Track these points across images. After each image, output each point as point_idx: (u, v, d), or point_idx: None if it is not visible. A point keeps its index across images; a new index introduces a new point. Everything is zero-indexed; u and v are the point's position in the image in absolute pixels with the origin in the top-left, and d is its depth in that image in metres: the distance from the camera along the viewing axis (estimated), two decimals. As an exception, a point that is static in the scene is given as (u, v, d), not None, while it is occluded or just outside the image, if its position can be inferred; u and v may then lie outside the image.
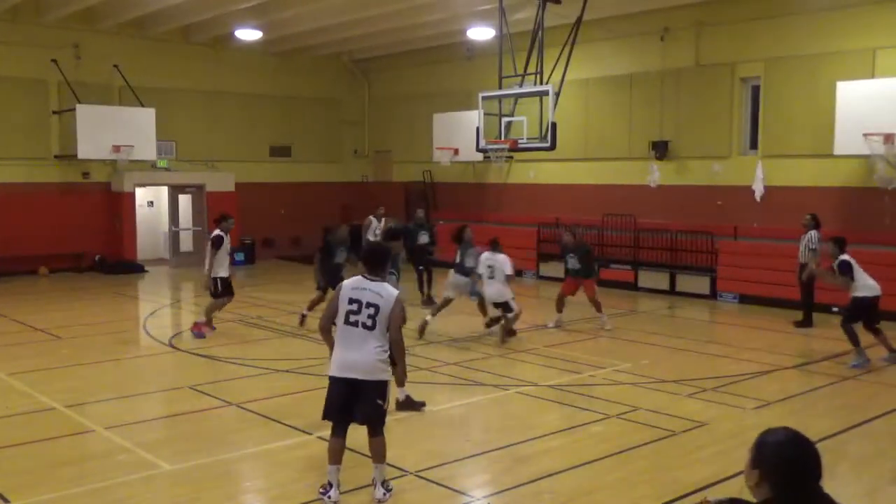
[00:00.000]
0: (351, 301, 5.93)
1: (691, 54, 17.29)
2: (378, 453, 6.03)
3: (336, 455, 5.98)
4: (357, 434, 7.61)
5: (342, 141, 25.37)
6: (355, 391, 5.90)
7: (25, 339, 12.27)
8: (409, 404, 8.35)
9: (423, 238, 15.85)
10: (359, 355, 5.88)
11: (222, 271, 12.51)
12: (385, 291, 5.97)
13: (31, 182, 19.65)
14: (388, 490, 6.04)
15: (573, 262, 13.12)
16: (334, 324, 6.06)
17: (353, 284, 6.02)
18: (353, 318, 5.90)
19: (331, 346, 6.07)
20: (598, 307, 13.07)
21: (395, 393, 8.42)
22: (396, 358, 6.12)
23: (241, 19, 19.44)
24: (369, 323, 5.88)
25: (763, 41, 16.14)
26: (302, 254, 23.82)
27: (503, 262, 11.81)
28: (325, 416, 6.04)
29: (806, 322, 13.34)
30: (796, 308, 13.63)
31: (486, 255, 11.97)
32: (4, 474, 6.55)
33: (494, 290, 11.81)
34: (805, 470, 2.71)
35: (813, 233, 13.25)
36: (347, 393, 5.91)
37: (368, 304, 5.90)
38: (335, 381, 5.96)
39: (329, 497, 5.91)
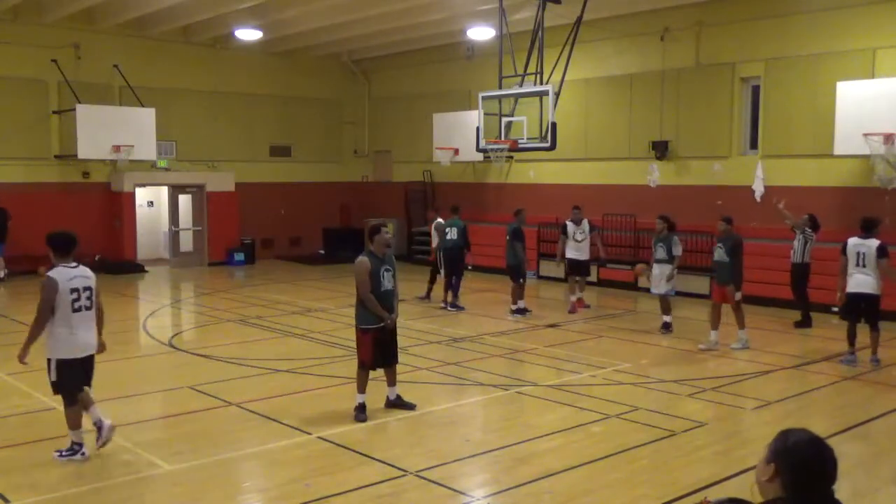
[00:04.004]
0: (72, 291, 6.65)
1: (691, 54, 17.29)
2: (89, 399, 6.89)
3: (80, 420, 6.87)
4: (355, 434, 7.62)
5: (342, 141, 25.38)
6: (89, 365, 6.91)
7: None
8: (400, 403, 8.36)
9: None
10: (91, 335, 6.85)
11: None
12: (89, 272, 6.87)
13: (31, 182, 19.65)
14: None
15: (718, 254, 11.63)
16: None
17: (65, 277, 6.67)
18: (77, 304, 6.68)
19: (35, 336, 6.72)
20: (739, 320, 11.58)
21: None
22: (100, 324, 7.05)
23: (241, 19, 19.44)
24: (88, 304, 6.77)
25: (763, 41, 16.15)
26: (302, 254, 23.88)
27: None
28: (74, 391, 6.80)
29: (805, 322, 13.34)
30: (796, 308, 13.63)
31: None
32: (4, 474, 6.56)
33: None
34: (820, 472, 2.72)
35: (809, 230, 13.27)
36: (86, 368, 6.87)
37: (85, 289, 6.74)
38: (78, 362, 6.77)
39: (84, 454, 6.80)
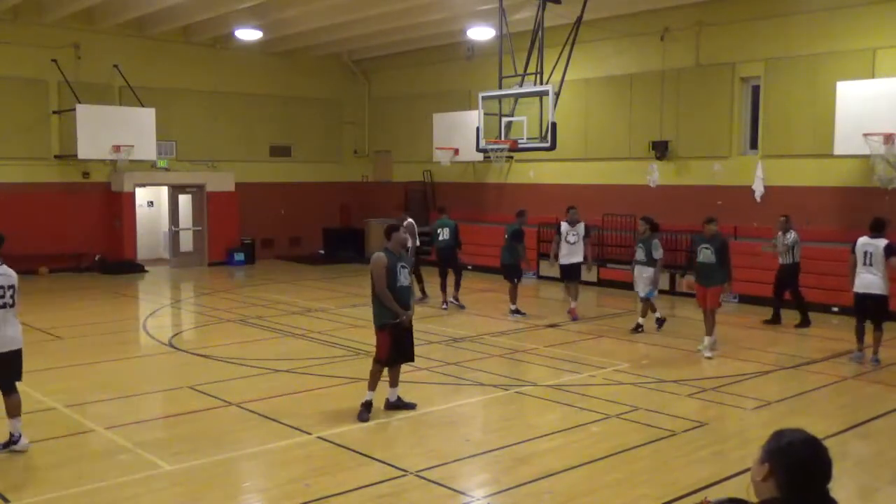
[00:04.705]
0: None
1: (691, 54, 17.29)
2: (18, 408, 7.07)
3: (19, 408, 7.03)
4: (355, 434, 7.62)
5: (342, 141, 25.37)
6: (15, 360, 7.11)
7: (25, 339, 12.01)
8: (400, 404, 8.35)
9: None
10: (14, 330, 7.11)
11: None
12: (11, 272, 7.13)
13: (31, 182, 19.64)
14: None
15: (706, 255, 11.23)
16: None
17: None
18: (1, 301, 6.99)
19: None
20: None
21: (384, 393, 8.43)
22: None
23: (241, 19, 19.44)
24: (11, 302, 7.08)
25: (763, 41, 16.14)
26: (302, 254, 23.89)
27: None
28: None
29: (805, 321, 13.32)
30: (795, 308, 13.60)
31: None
32: (4, 474, 6.56)
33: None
34: (815, 472, 2.73)
35: (791, 233, 13.29)
36: (9, 363, 7.05)
37: (8, 287, 7.05)
38: None
39: (19, 445, 6.95)
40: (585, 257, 14.01)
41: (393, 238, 8.22)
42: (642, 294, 12.73)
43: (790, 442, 2.76)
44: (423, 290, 15.72)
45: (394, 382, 8.38)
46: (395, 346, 8.13)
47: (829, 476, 2.74)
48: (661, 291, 16.35)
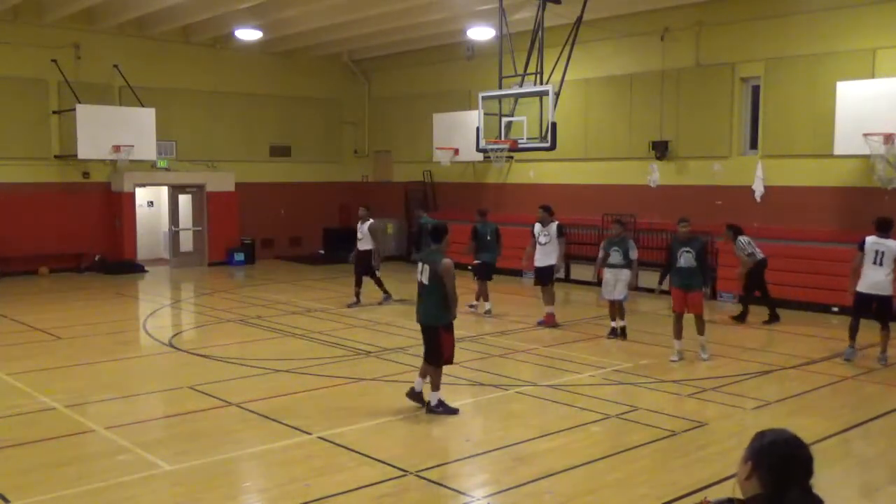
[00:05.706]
0: None
1: (691, 54, 17.29)
2: None
3: None
4: (355, 434, 7.62)
5: (342, 141, 25.38)
6: None
7: (25, 339, 12.26)
8: (419, 398, 8.37)
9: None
10: None
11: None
12: None
13: (31, 182, 19.64)
14: None
15: (687, 259, 10.75)
16: None
17: None
18: None
19: None
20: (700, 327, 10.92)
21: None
22: None
23: (241, 19, 19.44)
24: None
25: (763, 41, 16.14)
26: (302, 254, 23.89)
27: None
28: None
29: (774, 317, 13.42)
30: (795, 308, 13.63)
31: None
32: (4, 474, 6.56)
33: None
34: (796, 468, 2.85)
35: (742, 238, 13.39)
36: None
37: None
38: None
39: None
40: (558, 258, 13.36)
41: (445, 240, 8.40)
42: (620, 297, 12.29)
43: (771, 441, 2.90)
44: (357, 296, 15.26)
45: (425, 374, 8.42)
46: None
47: (810, 472, 2.86)
48: (662, 291, 16.40)
